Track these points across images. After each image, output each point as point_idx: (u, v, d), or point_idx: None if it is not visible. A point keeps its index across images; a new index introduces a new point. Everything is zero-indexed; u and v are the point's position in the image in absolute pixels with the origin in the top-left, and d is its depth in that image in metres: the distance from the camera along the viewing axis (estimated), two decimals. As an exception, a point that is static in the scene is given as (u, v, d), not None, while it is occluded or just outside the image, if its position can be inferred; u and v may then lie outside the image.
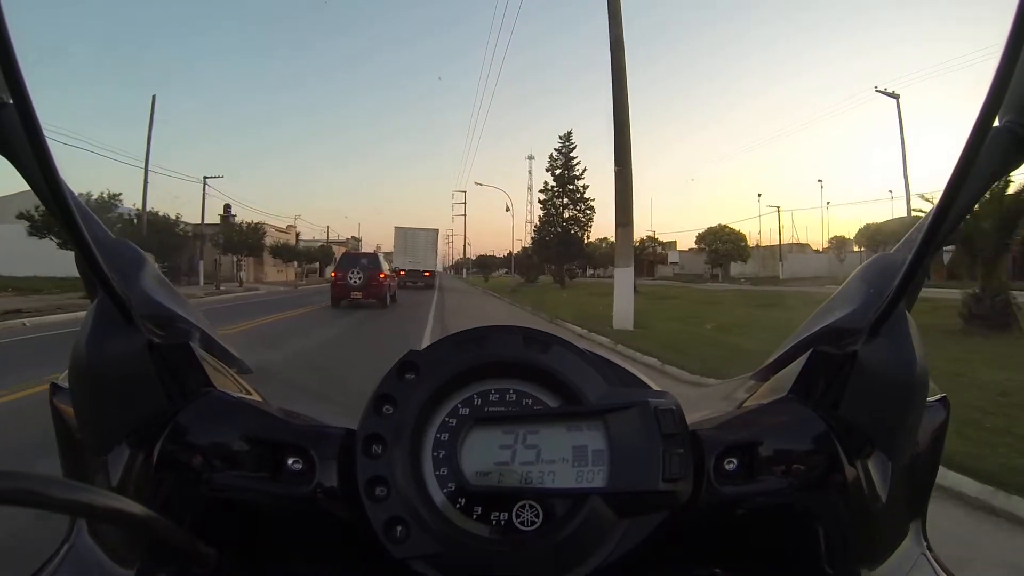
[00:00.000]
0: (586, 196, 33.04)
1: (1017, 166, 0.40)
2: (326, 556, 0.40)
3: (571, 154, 33.35)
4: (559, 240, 31.99)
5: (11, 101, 0.34)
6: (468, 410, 0.39)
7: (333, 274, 16.58)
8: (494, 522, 0.37)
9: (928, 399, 0.41)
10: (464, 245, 72.57)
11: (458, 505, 0.37)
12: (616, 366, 0.42)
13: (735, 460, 0.38)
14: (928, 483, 0.44)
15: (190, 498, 0.38)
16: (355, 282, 15.22)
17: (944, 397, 0.45)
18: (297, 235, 56.74)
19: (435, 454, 0.38)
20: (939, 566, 0.42)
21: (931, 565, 0.42)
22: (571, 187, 32.94)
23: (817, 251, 48.57)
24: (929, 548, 0.43)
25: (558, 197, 33.10)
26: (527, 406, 0.40)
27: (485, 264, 63.73)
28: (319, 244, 56.31)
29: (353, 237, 76.54)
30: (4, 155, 0.37)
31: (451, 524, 0.36)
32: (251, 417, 0.39)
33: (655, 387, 0.42)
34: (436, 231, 31.74)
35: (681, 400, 0.39)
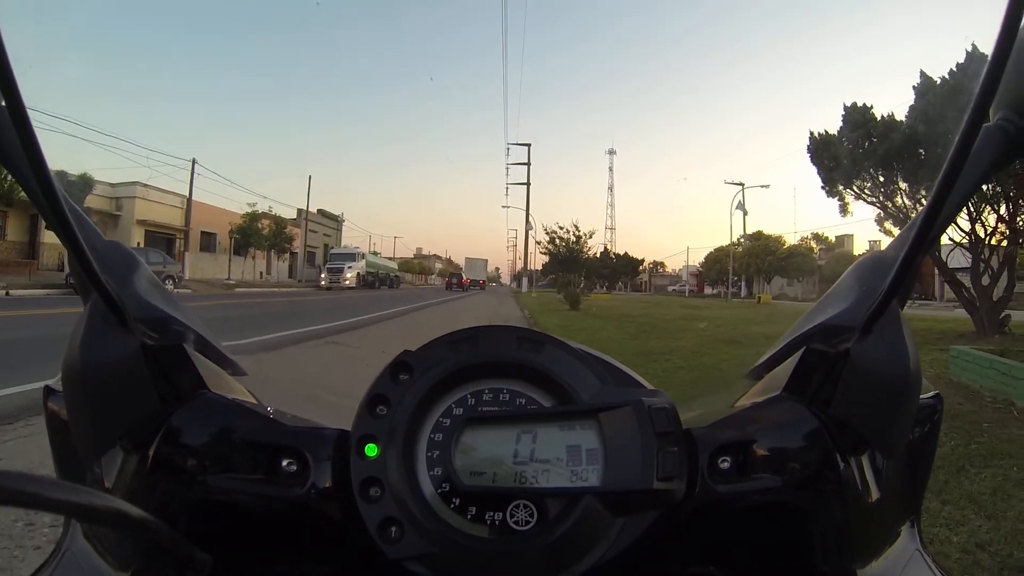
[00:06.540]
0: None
1: (1009, 163, 0.40)
2: (319, 558, 0.40)
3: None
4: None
5: (3, 104, 0.35)
6: (462, 410, 0.39)
7: (446, 279, 61.58)
8: (488, 522, 0.37)
9: (921, 396, 0.41)
10: (527, 235, 42.78)
11: (452, 505, 0.37)
12: (611, 365, 0.42)
13: (729, 458, 0.38)
14: (922, 480, 0.44)
15: (184, 501, 0.38)
16: (455, 283, 55.15)
17: (937, 394, 0.45)
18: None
19: (429, 454, 0.38)
20: (934, 564, 0.42)
21: (926, 562, 0.42)
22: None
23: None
24: (924, 545, 0.43)
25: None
26: (521, 405, 0.40)
27: (569, 263, 33.09)
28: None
29: (321, 210, 52.03)
30: None
31: (445, 524, 0.36)
32: (245, 419, 0.39)
33: (649, 386, 0.42)
34: (486, 260, 61.51)
35: (675, 399, 0.39)
